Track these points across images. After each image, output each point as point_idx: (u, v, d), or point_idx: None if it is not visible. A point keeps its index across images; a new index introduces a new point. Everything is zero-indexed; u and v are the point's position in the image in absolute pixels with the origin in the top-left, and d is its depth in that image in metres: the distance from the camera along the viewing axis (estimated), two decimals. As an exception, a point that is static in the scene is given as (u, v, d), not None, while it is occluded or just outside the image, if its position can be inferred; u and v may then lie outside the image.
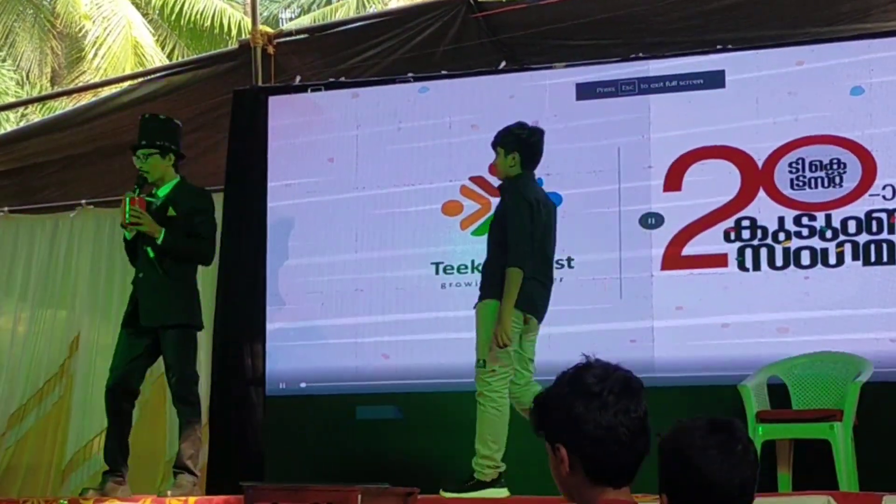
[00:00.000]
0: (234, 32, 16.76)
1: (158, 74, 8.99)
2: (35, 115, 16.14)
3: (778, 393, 6.33)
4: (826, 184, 6.74)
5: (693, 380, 6.71)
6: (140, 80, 9.09)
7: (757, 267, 6.80)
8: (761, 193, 6.84)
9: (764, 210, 6.82)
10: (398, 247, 7.43)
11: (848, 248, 6.66)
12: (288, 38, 8.40)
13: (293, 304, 7.60)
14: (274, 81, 8.11)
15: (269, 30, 8.49)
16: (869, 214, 6.64)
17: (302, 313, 7.57)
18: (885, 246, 6.60)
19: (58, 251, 8.91)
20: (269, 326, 7.61)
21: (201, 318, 6.59)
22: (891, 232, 6.60)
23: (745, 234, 6.84)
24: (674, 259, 6.92)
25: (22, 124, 14.98)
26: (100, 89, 11.12)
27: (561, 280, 7.08)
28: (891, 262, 6.59)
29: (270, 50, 8.16)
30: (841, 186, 6.71)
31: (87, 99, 11.73)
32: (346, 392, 7.40)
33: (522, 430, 5.32)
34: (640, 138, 7.07)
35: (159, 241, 6.30)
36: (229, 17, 17.20)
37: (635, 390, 2.45)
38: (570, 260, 7.09)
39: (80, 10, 17.31)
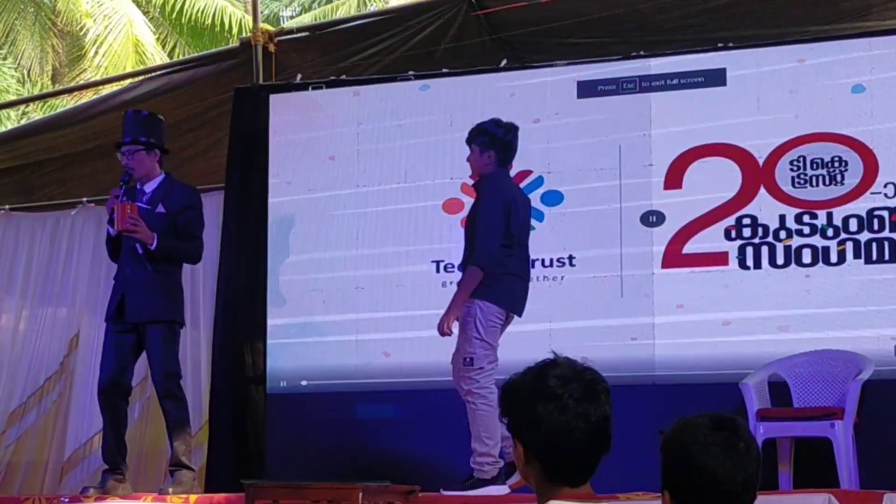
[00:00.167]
0: (234, 30, 16.74)
1: (159, 73, 9.00)
2: (36, 113, 16.13)
3: (779, 391, 6.33)
4: (827, 182, 6.73)
5: (693, 377, 6.70)
6: (141, 78, 9.10)
7: (758, 265, 6.80)
8: (762, 191, 6.83)
9: (765, 208, 6.82)
10: (399, 244, 7.43)
11: (849, 246, 6.65)
12: (289, 37, 8.40)
13: (294, 301, 7.60)
14: (275, 79, 8.10)
15: (270, 28, 8.49)
16: (870, 212, 6.64)
17: (303, 311, 7.57)
18: (886, 244, 6.60)
19: (58, 249, 8.91)
20: (270, 324, 7.60)
21: (184, 314, 6.60)
22: (892, 230, 6.59)
23: (746, 232, 6.83)
24: (675, 257, 6.92)
25: (23, 122, 14.99)
26: (100, 87, 11.12)
27: (562, 278, 7.09)
28: (892, 260, 6.59)
29: (271, 48, 8.16)
30: (842, 184, 6.71)
31: (87, 97, 11.73)
32: (346, 390, 7.40)
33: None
34: (641, 136, 7.07)
35: (153, 248, 6.30)
36: (230, 16, 17.18)
37: (598, 393, 2.40)
38: (571, 258, 7.09)
39: (81, 9, 17.29)
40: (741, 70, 6.96)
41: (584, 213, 7.10)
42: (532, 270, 6.40)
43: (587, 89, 7.23)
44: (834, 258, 6.68)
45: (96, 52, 16.96)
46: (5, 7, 17.38)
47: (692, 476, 2.45)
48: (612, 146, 7.10)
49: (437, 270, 7.32)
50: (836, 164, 6.72)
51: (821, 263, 6.69)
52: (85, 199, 8.84)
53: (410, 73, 7.65)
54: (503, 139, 6.13)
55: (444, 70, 7.63)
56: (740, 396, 6.11)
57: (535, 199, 7.18)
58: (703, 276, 6.87)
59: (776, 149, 6.83)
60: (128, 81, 9.35)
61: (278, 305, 7.62)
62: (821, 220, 6.72)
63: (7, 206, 9.13)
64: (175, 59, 15.84)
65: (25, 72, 17.84)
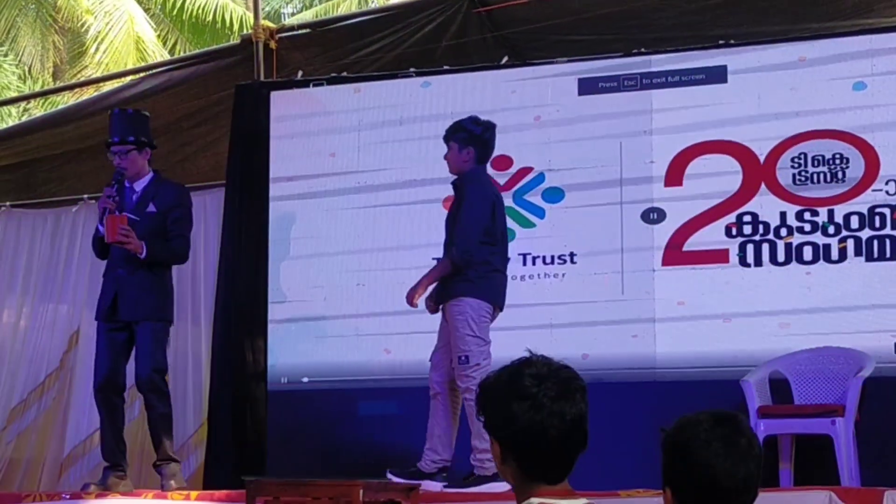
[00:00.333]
0: (236, 27, 16.74)
1: (160, 69, 8.99)
2: (37, 110, 16.14)
3: (780, 388, 6.33)
4: (828, 179, 6.73)
5: (694, 375, 6.70)
6: (142, 75, 9.10)
7: (759, 262, 6.79)
8: (763, 188, 6.83)
9: (766, 205, 6.81)
10: (400, 241, 7.43)
11: (850, 243, 6.65)
12: (290, 34, 8.40)
13: (295, 298, 7.59)
14: (276, 76, 8.10)
15: (271, 25, 8.49)
16: (871, 210, 6.64)
17: (304, 308, 7.57)
18: (887, 241, 6.60)
19: (59, 246, 8.90)
20: (271, 321, 7.60)
21: (174, 312, 6.66)
22: (893, 227, 6.59)
23: (747, 229, 6.83)
24: (675, 254, 6.92)
25: (24, 119, 14.99)
26: (101, 84, 11.13)
27: (563, 275, 7.09)
28: (893, 257, 6.58)
29: (272, 45, 8.16)
30: (843, 181, 6.70)
31: (88, 94, 11.71)
32: (347, 387, 7.40)
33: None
34: (642, 133, 7.07)
35: (143, 257, 6.33)
36: (231, 13, 17.19)
37: (573, 391, 2.40)
38: (572, 255, 7.08)
39: (81, 5, 17.29)
40: (742, 67, 6.96)
41: (585, 210, 7.09)
42: (533, 267, 6.40)
43: (588, 86, 7.23)
44: (835, 255, 6.68)
45: (97, 49, 16.97)
46: (6, 4, 17.38)
47: (693, 473, 2.45)
48: (613, 143, 7.10)
49: (438, 267, 7.30)
50: (838, 162, 6.72)
51: (822, 261, 6.69)
52: (86, 196, 8.83)
53: (411, 70, 7.65)
54: (481, 136, 6.18)
55: (446, 67, 7.63)
56: (741, 393, 6.11)
57: (535, 196, 7.19)
58: (704, 273, 6.87)
59: (777, 146, 6.83)
60: (129, 78, 9.35)
61: (279, 302, 7.62)
62: (822, 217, 6.72)
63: (8, 203, 9.13)
64: (176, 55, 15.85)
65: (26, 68, 17.84)
